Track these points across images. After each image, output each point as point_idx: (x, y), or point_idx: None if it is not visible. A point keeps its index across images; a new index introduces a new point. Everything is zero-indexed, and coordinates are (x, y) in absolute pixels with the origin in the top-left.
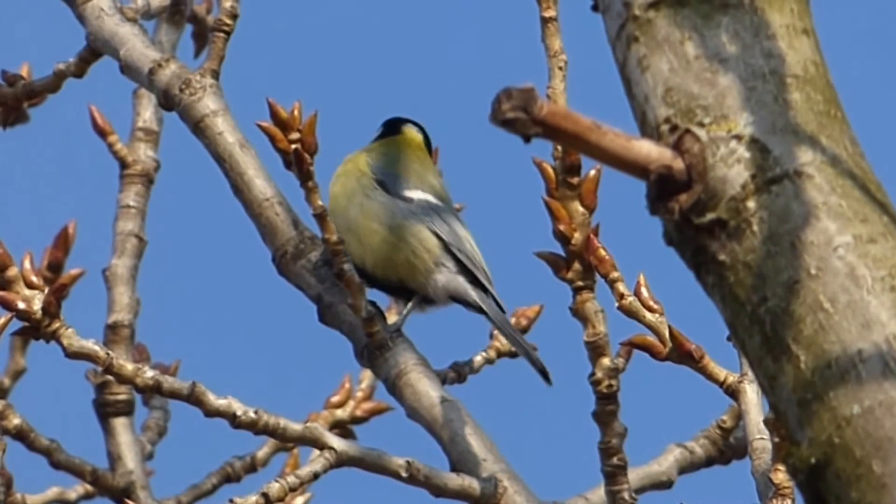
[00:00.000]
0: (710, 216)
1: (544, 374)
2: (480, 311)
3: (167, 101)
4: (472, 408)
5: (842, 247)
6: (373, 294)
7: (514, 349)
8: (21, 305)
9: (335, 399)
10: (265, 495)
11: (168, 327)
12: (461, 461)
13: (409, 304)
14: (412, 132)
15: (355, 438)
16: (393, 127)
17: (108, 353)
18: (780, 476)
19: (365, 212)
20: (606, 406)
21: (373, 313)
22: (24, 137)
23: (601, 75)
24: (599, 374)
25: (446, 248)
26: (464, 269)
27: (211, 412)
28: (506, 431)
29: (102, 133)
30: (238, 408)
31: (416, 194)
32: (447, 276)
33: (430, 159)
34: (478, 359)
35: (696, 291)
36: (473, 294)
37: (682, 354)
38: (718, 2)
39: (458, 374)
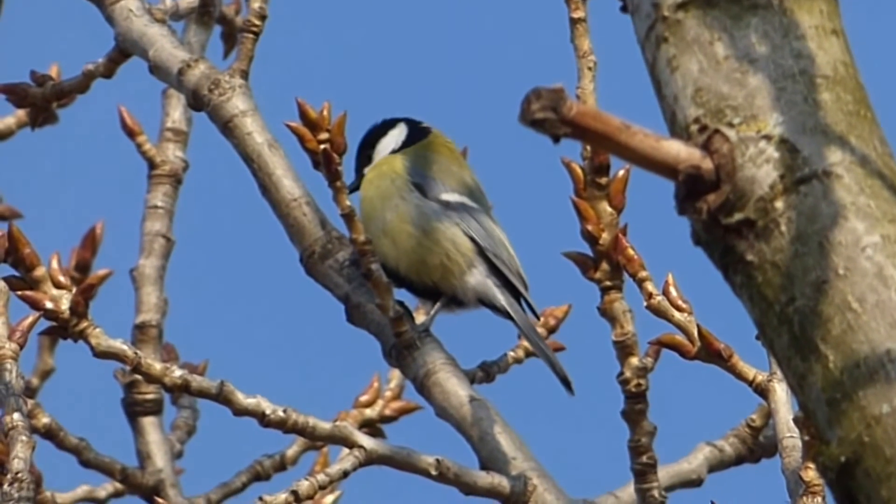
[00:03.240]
0: (738, 216)
1: (567, 384)
2: (508, 316)
3: (196, 102)
4: (501, 407)
5: (870, 247)
6: (400, 294)
7: None
8: (49, 305)
9: (364, 398)
10: (295, 493)
11: (196, 327)
12: (491, 460)
13: (438, 304)
14: (440, 133)
15: (384, 437)
16: (419, 132)
17: (136, 353)
18: (811, 474)
19: (400, 214)
20: (635, 405)
21: (401, 313)
22: (53, 138)
23: (630, 76)
24: (628, 374)
25: (481, 251)
26: (496, 273)
27: (240, 411)
28: (535, 430)
29: (131, 133)
30: (267, 407)
31: (452, 197)
32: (477, 279)
33: (464, 159)
34: (506, 358)
35: (725, 291)
36: (501, 299)
37: (710, 353)
38: (748, 3)
39: (486, 373)
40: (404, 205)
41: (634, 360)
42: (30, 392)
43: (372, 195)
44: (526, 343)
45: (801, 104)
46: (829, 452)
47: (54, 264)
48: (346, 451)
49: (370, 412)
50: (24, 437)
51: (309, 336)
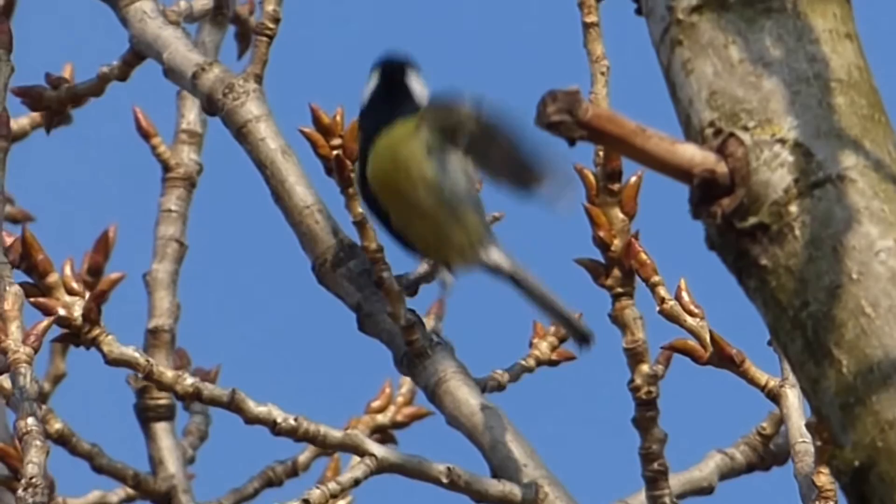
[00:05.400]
0: (752, 220)
1: (585, 339)
2: (513, 280)
3: (210, 106)
4: (512, 415)
5: (884, 251)
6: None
7: (552, 354)
8: (61, 312)
9: (376, 404)
10: (306, 501)
11: (208, 332)
12: (502, 468)
13: (445, 289)
14: None
15: (396, 443)
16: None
17: (148, 360)
18: (823, 479)
19: (427, 187)
20: (646, 412)
21: (412, 321)
22: (67, 139)
23: (644, 79)
24: (639, 381)
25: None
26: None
27: (251, 419)
28: (546, 438)
29: (146, 135)
30: (278, 415)
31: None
32: (488, 255)
33: None
34: (518, 366)
35: (738, 296)
36: (507, 263)
37: (723, 358)
38: (762, 6)
39: (497, 381)
40: (429, 181)
41: (645, 368)
42: (42, 397)
43: (388, 168)
44: (537, 352)
45: (815, 108)
46: (843, 457)
47: (67, 271)
48: (357, 458)
49: (382, 418)
50: (38, 442)
51: (321, 344)
